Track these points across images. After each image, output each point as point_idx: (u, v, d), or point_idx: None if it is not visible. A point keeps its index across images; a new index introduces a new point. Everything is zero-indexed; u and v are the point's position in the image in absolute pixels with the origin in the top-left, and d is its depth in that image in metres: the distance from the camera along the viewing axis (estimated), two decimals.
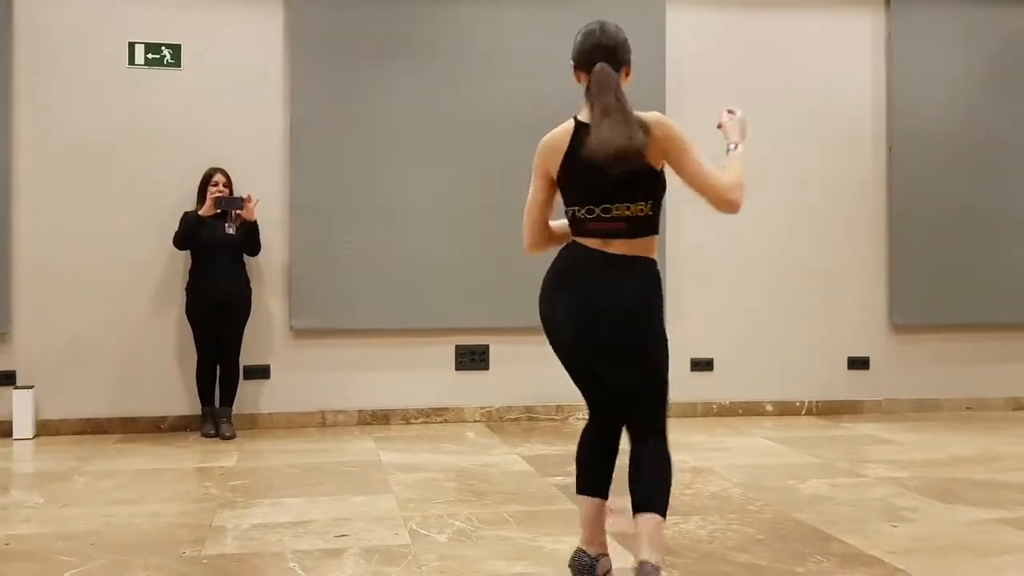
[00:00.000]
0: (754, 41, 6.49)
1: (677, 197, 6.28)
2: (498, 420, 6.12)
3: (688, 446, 5.25)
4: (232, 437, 5.50)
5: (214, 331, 5.58)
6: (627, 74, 2.66)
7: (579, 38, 2.66)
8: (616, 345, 2.59)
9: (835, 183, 6.55)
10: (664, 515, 2.61)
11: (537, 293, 2.72)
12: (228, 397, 5.64)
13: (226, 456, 5.03)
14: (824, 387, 6.53)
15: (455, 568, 3.06)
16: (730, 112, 2.85)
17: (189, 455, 5.09)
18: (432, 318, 6.03)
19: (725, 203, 2.58)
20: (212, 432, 5.56)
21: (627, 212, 2.57)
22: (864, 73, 6.61)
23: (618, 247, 2.59)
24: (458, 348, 6.12)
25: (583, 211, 2.61)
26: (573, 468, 4.55)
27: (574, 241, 2.67)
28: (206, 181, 5.63)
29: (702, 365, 6.36)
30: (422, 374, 6.08)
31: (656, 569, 2.53)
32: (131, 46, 5.81)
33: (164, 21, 5.84)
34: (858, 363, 6.60)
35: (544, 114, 6.04)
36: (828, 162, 6.53)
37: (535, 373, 6.03)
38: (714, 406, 6.39)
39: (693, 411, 6.34)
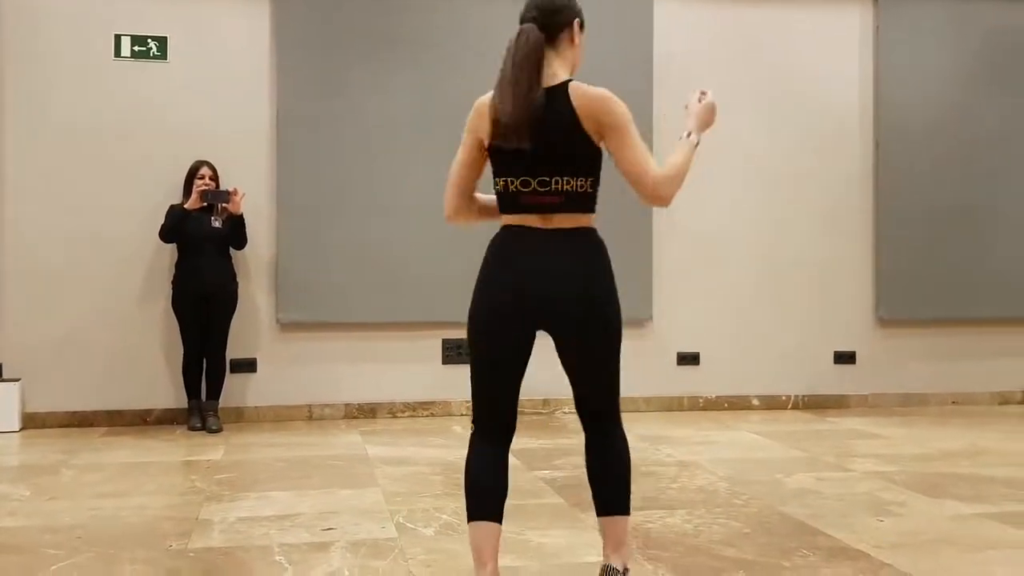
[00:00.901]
0: (741, 37, 6.49)
1: None
2: None
3: (674, 440, 5.26)
4: (219, 430, 5.49)
5: (200, 324, 5.56)
6: (572, 40, 2.45)
7: None
8: (576, 319, 2.39)
9: (822, 178, 6.56)
10: (630, 511, 2.56)
11: None
12: (215, 390, 5.62)
13: (212, 449, 5.01)
14: (810, 381, 6.55)
15: (442, 561, 3.06)
16: (702, 93, 2.60)
17: (175, 448, 5.07)
18: (419, 312, 6.02)
19: (653, 196, 2.38)
20: (199, 425, 5.54)
21: (567, 187, 2.38)
22: (851, 69, 6.62)
23: (559, 221, 2.40)
24: (445, 342, 6.11)
25: (517, 183, 2.40)
26: (560, 461, 4.59)
27: (505, 226, 2.47)
28: (192, 174, 5.60)
29: (688, 359, 6.38)
30: (409, 368, 6.08)
31: (622, 573, 2.53)
32: (117, 38, 5.77)
33: (150, 13, 5.80)
34: (844, 357, 6.62)
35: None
36: (815, 157, 6.55)
37: None
38: (700, 400, 6.40)
39: (679, 405, 6.35)
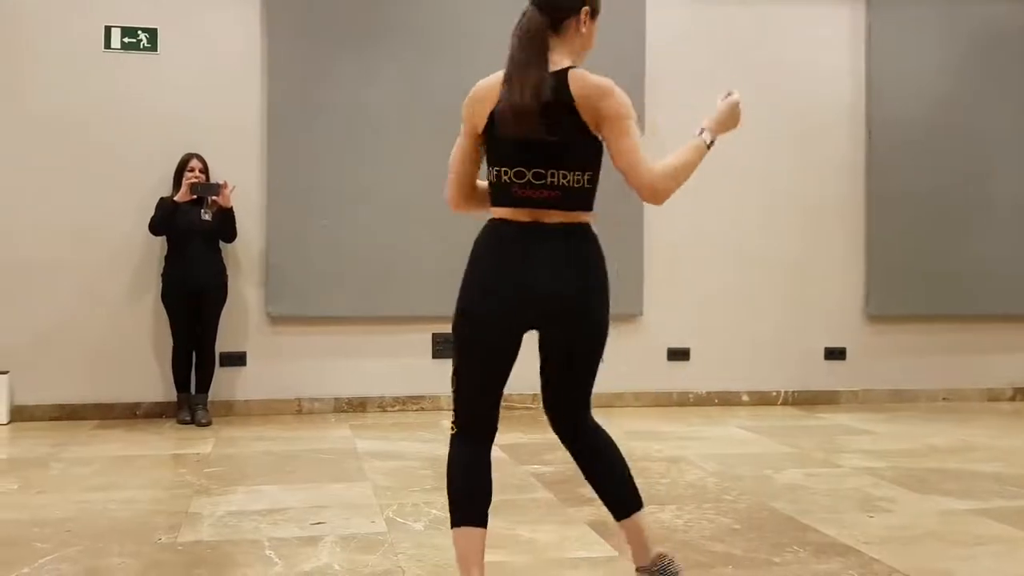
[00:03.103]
0: (734, 32, 6.48)
1: None
2: None
3: (664, 435, 5.27)
4: (208, 424, 5.47)
5: (190, 318, 5.54)
6: (578, 28, 2.38)
7: None
8: (562, 321, 2.34)
9: (814, 174, 6.57)
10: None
11: None
12: (204, 384, 5.60)
13: (202, 443, 5.00)
14: (800, 377, 6.56)
15: (431, 556, 3.06)
16: (728, 94, 2.49)
17: (165, 442, 5.06)
18: (409, 305, 6.01)
19: (647, 192, 2.27)
20: (188, 419, 5.52)
21: (563, 181, 2.29)
22: (844, 64, 6.63)
23: (552, 217, 2.31)
24: (435, 336, 6.10)
25: (511, 174, 2.31)
26: (549, 456, 4.59)
27: (495, 219, 2.38)
28: (182, 167, 5.58)
29: (678, 355, 6.38)
30: (399, 362, 6.07)
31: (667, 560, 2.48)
32: (107, 30, 5.73)
33: (141, 5, 5.77)
34: (835, 353, 6.63)
35: None
36: (807, 153, 6.55)
37: None
38: (690, 395, 6.41)
39: (669, 400, 6.36)
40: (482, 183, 2.49)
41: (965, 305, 6.69)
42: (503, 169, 2.34)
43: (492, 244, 2.37)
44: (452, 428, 2.44)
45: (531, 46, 2.31)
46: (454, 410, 2.43)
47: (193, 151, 5.63)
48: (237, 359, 5.88)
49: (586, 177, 2.33)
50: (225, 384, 5.83)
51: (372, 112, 5.95)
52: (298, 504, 3.71)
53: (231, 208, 5.58)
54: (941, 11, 6.67)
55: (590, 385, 2.47)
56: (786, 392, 6.54)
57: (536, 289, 2.31)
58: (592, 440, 2.49)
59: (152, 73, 5.77)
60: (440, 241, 6.01)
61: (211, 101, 5.83)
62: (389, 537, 3.26)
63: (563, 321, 2.36)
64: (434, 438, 5.17)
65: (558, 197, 2.31)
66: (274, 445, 4.97)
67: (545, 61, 2.31)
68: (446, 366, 6.01)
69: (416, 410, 6.06)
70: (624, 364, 6.27)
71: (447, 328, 6.15)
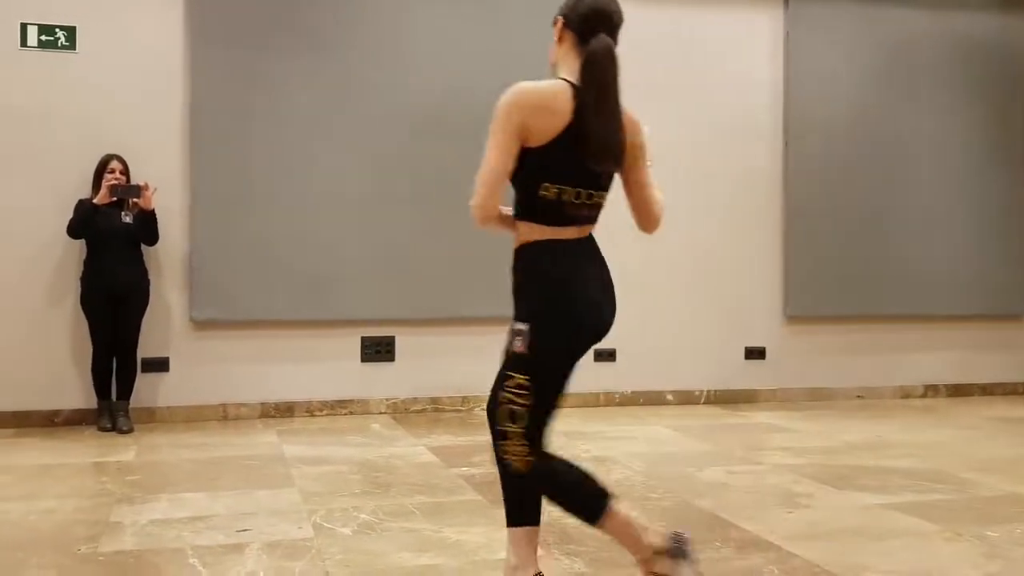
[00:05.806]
0: (653, 37, 6.59)
1: None
2: (404, 412, 6.10)
3: (590, 435, 5.34)
4: (130, 431, 5.36)
5: (110, 322, 5.42)
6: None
7: None
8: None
9: (733, 178, 6.72)
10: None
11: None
12: (125, 390, 5.49)
13: (124, 450, 4.89)
14: (722, 377, 6.71)
15: (359, 561, 3.05)
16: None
17: (85, 450, 4.94)
18: (337, 309, 5.98)
19: (657, 222, 2.64)
20: (109, 426, 5.41)
21: (601, 200, 2.45)
22: (762, 71, 6.80)
23: (586, 232, 2.46)
24: (364, 339, 6.08)
25: (570, 193, 2.31)
26: (478, 458, 4.61)
27: (547, 240, 2.36)
28: (102, 168, 5.46)
29: (604, 356, 6.46)
30: (327, 366, 6.03)
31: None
32: (23, 27, 5.57)
33: (59, 2, 5.62)
34: (755, 353, 6.80)
35: (453, 103, 6.14)
36: (726, 157, 6.70)
37: (441, 364, 6.04)
38: (616, 396, 6.50)
39: (596, 401, 6.44)
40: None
41: (879, 306, 6.93)
42: (561, 187, 2.32)
43: (565, 255, 2.39)
44: (520, 455, 2.47)
45: (616, 80, 2.34)
46: (527, 429, 2.45)
47: (113, 152, 5.51)
48: (160, 365, 5.76)
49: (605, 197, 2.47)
50: (147, 390, 5.71)
51: (297, 113, 5.90)
52: (223, 511, 3.67)
53: (153, 210, 5.48)
54: (858, 18, 6.90)
55: None
56: (708, 391, 6.68)
57: (610, 304, 2.53)
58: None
59: (71, 72, 5.63)
60: (368, 244, 6.00)
61: (132, 101, 5.71)
62: (316, 543, 3.25)
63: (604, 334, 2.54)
64: (363, 442, 5.15)
65: (595, 216, 2.46)
66: (198, 452, 4.89)
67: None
68: (375, 369, 6.11)
69: (345, 414, 6.02)
70: None
71: (376, 331, 6.17)
